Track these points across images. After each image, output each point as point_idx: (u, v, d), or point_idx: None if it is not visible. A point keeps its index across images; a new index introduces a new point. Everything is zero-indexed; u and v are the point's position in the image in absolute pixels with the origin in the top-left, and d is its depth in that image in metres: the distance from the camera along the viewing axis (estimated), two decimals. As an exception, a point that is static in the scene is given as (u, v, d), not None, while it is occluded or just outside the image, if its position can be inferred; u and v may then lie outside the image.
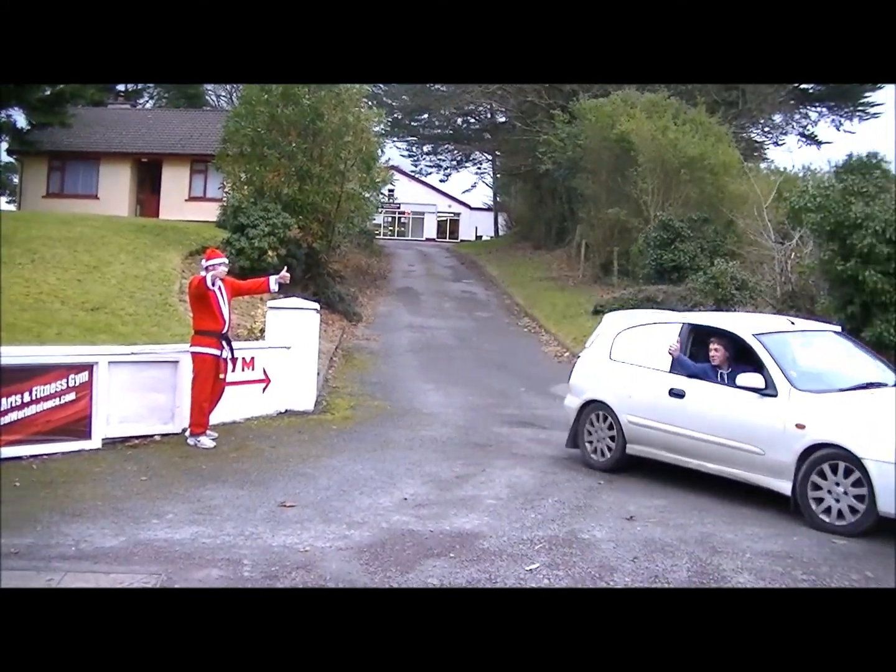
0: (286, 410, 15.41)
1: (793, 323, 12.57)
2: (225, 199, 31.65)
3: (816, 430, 9.97)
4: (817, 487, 9.82)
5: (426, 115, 65.63)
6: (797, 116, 57.36)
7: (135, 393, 12.79)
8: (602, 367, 12.85)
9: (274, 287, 13.87)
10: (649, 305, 28.54)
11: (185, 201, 42.31)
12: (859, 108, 54.58)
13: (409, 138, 69.71)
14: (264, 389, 15.09)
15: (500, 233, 71.22)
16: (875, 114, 54.51)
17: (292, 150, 28.48)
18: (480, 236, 79.01)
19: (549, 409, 17.40)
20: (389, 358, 23.86)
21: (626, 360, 12.52)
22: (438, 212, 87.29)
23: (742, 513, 10.31)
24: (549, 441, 14.25)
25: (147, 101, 61.82)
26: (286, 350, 15.55)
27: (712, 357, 11.55)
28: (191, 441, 12.65)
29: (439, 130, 68.96)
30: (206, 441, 12.66)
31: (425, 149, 72.24)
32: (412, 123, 66.63)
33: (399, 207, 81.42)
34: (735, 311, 25.20)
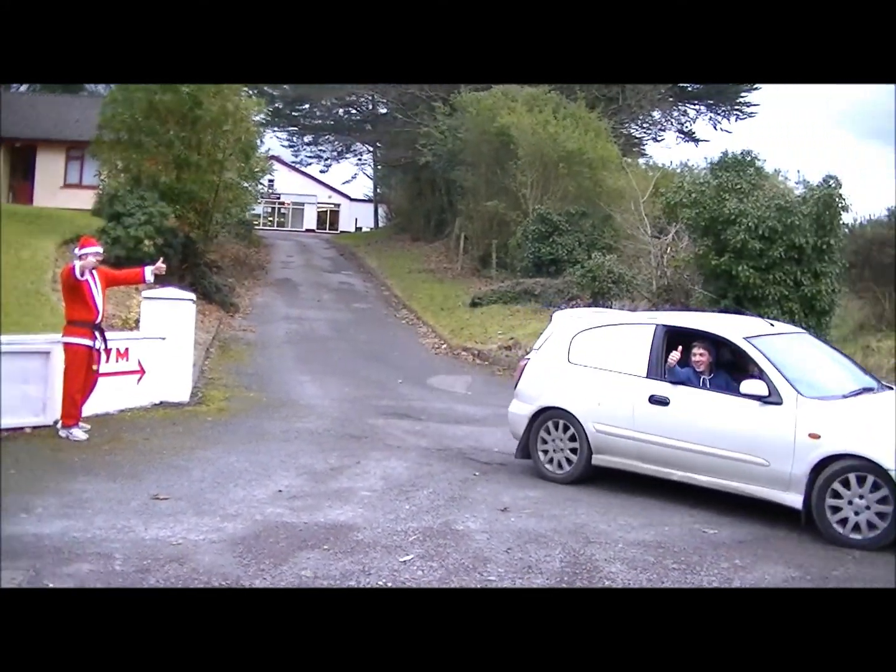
0: (161, 402, 15.19)
1: (772, 325, 12.09)
2: (101, 186, 31.15)
3: (833, 440, 9.52)
4: (836, 500, 9.37)
5: (307, 106, 65.30)
6: (676, 114, 58.07)
7: (4, 384, 12.50)
8: (559, 372, 11.89)
9: (149, 278, 13.67)
10: (527, 298, 28.91)
11: (60, 188, 41.62)
12: (736, 107, 55.47)
13: (290, 128, 69.18)
14: (139, 380, 14.88)
15: (380, 224, 71.08)
16: (751, 113, 55.49)
17: (170, 138, 28.12)
18: (360, 228, 78.93)
19: (425, 401, 17.47)
20: (266, 349, 23.69)
21: (591, 363, 11.59)
22: (318, 203, 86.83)
23: (614, 503, 10.49)
24: (424, 433, 14.29)
25: (21, 84, 60.42)
26: (161, 341, 15.36)
27: (697, 363, 10.96)
28: (62, 433, 12.43)
29: (320, 121, 68.60)
30: (79, 433, 12.45)
31: (306, 139, 71.74)
32: (293, 113, 66.22)
33: (279, 198, 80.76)
34: (611, 304, 25.55)
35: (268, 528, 8.79)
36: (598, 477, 11.47)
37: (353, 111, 68.27)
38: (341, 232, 78.71)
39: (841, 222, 20.59)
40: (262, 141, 35.17)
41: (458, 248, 40.56)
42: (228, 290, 30.85)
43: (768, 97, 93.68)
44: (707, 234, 20.08)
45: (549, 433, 11.72)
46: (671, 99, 53.51)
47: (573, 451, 11.48)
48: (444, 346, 26.26)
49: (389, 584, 7.35)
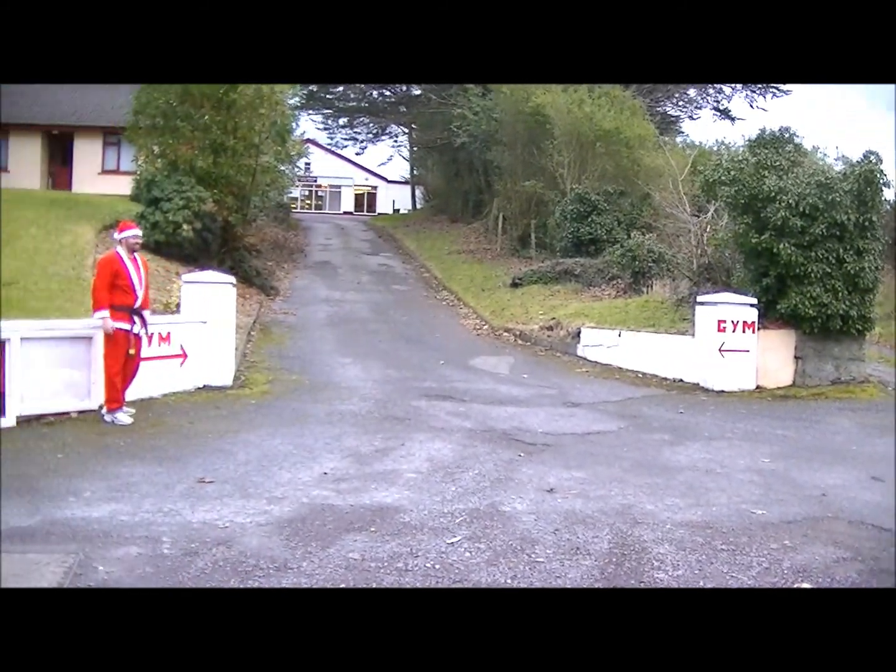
0: (204, 385, 15.28)
1: None
2: (138, 172, 31.21)
3: None
4: None
5: (341, 88, 65.17)
6: (711, 91, 57.62)
7: (49, 369, 12.59)
8: None
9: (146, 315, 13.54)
10: (567, 278, 28.89)
11: (98, 174, 41.80)
12: (772, 84, 54.92)
13: (325, 111, 69.10)
14: (181, 364, 14.95)
15: (418, 206, 71.09)
16: (787, 91, 54.85)
17: (206, 123, 28.12)
18: (398, 209, 79.03)
19: (468, 382, 17.43)
20: (307, 332, 23.76)
21: None
22: (355, 185, 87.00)
23: (660, 484, 10.37)
24: (468, 414, 14.24)
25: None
26: (203, 324, 15.41)
27: None
28: (107, 418, 12.47)
29: (354, 103, 68.50)
30: (123, 417, 12.49)
31: (341, 122, 71.73)
32: (327, 96, 66.07)
33: (315, 181, 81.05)
34: (652, 283, 25.47)
35: (314, 511, 8.74)
36: (640, 459, 11.42)
37: (387, 93, 68.10)
38: (379, 214, 78.78)
39: (882, 199, 20.32)
40: (297, 124, 35.21)
41: (497, 229, 40.52)
42: (268, 274, 30.97)
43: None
44: (747, 212, 19.84)
45: None
46: (706, 76, 53.02)
47: None
48: (486, 326, 26.30)
49: (437, 567, 7.29)
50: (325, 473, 10.27)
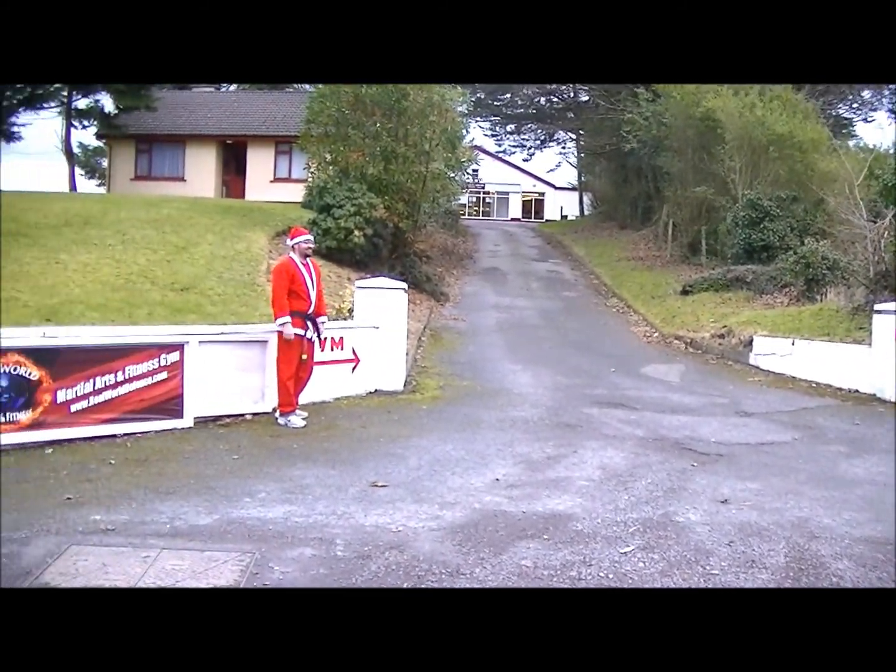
0: (375, 390, 15.43)
1: None
2: (310, 179, 31.73)
3: None
4: None
5: (509, 95, 65.53)
6: (887, 92, 56.09)
7: (225, 372, 12.87)
8: None
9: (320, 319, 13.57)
10: (739, 285, 28.43)
11: (270, 182, 42.67)
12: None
13: (493, 118, 69.63)
14: (353, 369, 15.11)
15: (585, 212, 70.91)
16: (966, 93, 53.05)
17: (377, 130, 28.51)
18: (566, 216, 78.89)
19: (639, 390, 17.27)
20: (477, 338, 23.85)
21: None
22: (523, 192, 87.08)
23: (837, 497, 10.08)
24: (639, 422, 14.09)
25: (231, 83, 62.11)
26: (375, 330, 15.56)
27: None
28: (281, 421, 12.69)
29: (522, 110, 68.80)
30: (297, 420, 12.68)
31: (509, 128, 72.16)
32: (495, 103, 66.52)
33: (483, 187, 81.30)
34: (826, 291, 24.88)
35: (486, 517, 8.73)
36: (817, 471, 11.16)
37: (555, 99, 68.24)
38: (546, 220, 78.83)
39: None
40: (466, 131, 35.42)
41: (666, 236, 40.15)
42: (438, 280, 31.19)
43: None
44: (927, 217, 19.31)
45: None
46: (882, 76, 51.61)
47: None
48: (656, 334, 26.09)
49: (611, 576, 7.22)
50: (497, 480, 10.24)
